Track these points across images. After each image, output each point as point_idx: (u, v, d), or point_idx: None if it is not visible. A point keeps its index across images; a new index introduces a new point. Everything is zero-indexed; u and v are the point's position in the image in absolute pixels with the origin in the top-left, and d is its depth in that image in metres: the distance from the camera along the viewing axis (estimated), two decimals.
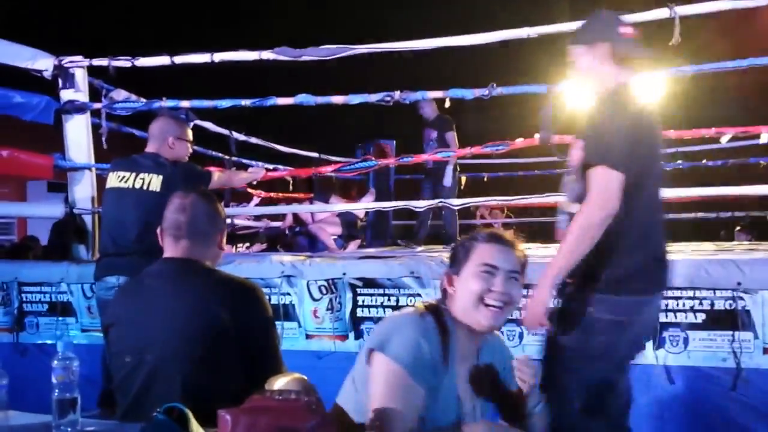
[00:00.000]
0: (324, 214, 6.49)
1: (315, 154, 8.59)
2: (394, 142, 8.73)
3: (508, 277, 1.79)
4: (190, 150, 3.83)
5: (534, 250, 6.86)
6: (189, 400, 1.79)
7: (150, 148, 3.69)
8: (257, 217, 7.28)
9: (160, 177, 3.53)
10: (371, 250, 6.00)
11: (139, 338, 2.04)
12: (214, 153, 6.49)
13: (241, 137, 6.67)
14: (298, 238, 6.65)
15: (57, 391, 1.73)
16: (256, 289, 2.11)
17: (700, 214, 7.94)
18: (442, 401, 1.75)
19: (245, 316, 2.00)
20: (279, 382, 1.78)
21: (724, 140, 4.18)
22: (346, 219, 6.76)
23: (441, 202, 4.00)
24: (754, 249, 5.10)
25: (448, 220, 6.68)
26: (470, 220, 9.05)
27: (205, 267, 2.15)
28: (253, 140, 6.97)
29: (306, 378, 1.87)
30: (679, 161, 7.88)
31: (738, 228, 8.30)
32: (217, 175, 3.88)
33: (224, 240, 2.27)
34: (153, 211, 3.45)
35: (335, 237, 6.55)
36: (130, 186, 3.53)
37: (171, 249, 2.19)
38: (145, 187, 3.52)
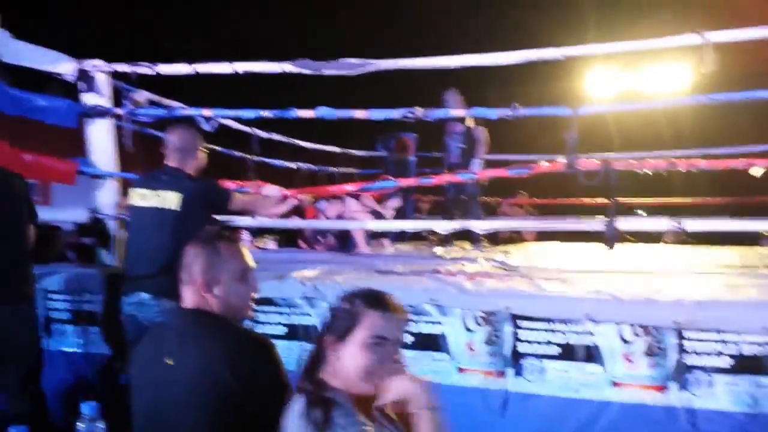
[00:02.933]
0: (358, 209, 6.35)
1: (337, 149, 8.52)
2: (415, 135, 8.65)
3: (395, 346, 1.76)
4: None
5: (554, 248, 6.85)
6: None
7: (171, 162, 3.65)
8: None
9: (180, 194, 3.50)
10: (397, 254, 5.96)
11: (151, 397, 2.03)
12: (236, 153, 6.45)
13: (264, 134, 6.62)
14: (328, 236, 6.55)
15: None
16: (268, 347, 2.06)
17: (727, 218, 7.77)
18: None
19: (253, 377, 1.95)
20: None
21: (756, 173, 4.07)
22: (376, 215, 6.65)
23: (463, 224, 3.92)
24: None
25: (474, 216, 6.59)
26: (491, 216, 8.98)
27: (216, 320, 2.11)
28: (276, 137, 6.91)
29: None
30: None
31: (765, 235, 8.13)
32: (240, 198, 3.79)
33: (236, 284, 2.17)
34: (172, 228, 3.47)
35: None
36: (150, 204, 3.52)
37: (183, 295, 2.19)
38: (164, 205, 3.50)
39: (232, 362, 1.96)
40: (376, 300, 1.80)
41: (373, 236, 6.43)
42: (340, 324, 1.79)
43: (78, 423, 1.82)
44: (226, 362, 1.96)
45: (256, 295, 2.25)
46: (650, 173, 7.95)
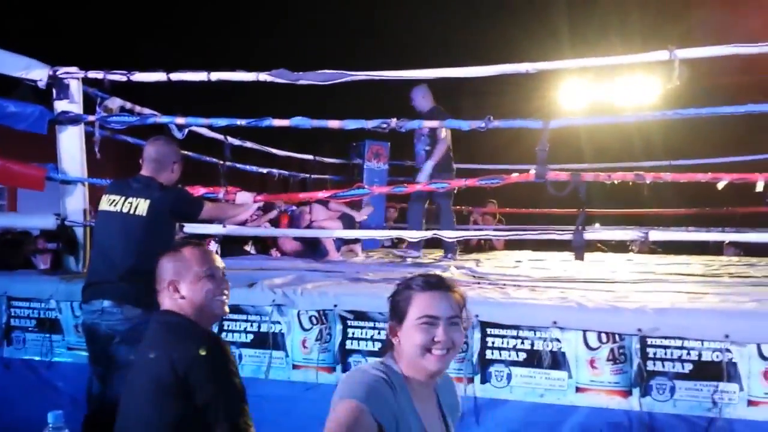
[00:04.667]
0: (325, 216, 6.33)
1: (310, 157, 8.54)
2: (389, 144, 8.71)
3: (449, 324, 1.83)
4: None
5: (524, 256, 6.93)
6: None
7: (145, 172, 3.66)
8: None
9: (148, 201, 3.51)
10: (368, 261, 5.99)
11: (125, 389, 2.24)
12: (207, 159, 6.43)
13: (236, 142, 6.61)
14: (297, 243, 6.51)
15: None
16: (217, 350, 2.15)
17: (691, 229, 7.95)
18: None
19: (194, 374, 2.05)
20: None
21: (720, 186, 4.19)
22: (347, 221, 6.62)
23: (435, 233, 3.97)
24: (744, 275, 5.12)
25: (445, 224, 6.20)
26: (464, 225, 9.07)
27: (179, 320, 2.25)
28: (248, 144, 6.91)
29: None
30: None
31: (727, 242, 8.31)
32: (210, 206, 3.86)
33: (199, 284, 2.28)
34: (138, 236, 3.47)
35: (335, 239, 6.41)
36: (119, 210, 3.53)
37: (160, 301, 2.35)
38: (132, 212, 3.51)
39: (176, 358, 2.09)
40: (426, 282, 1.90)
41: (344, 242, 6.42)
42: (397, 309, 1.90)
43: None
44: (169, 357, 2.10)
45: (225, 294, 2.36)
46: (617, 183, 8.16)
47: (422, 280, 1.91)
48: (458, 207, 8.71)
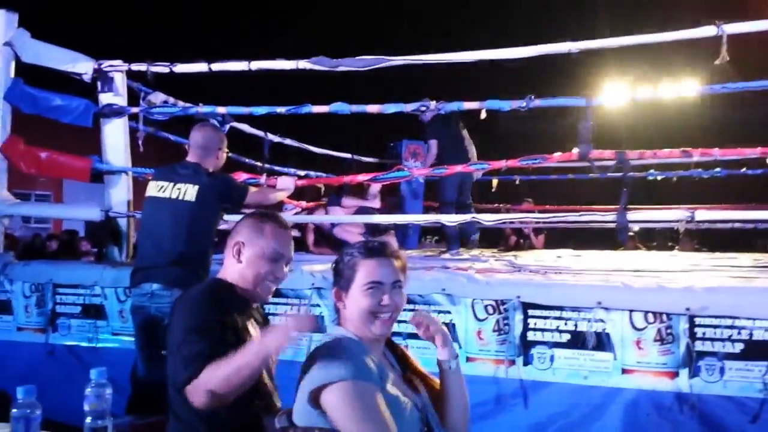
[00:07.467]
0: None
1: (347, 155, 8.56)
2: (425, 143, 8.66)
3: (393, 288, 1.90)
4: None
5: (564, 253, 6.81)
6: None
7: (192, 158, 3.69)
8: None
9: (196, 187, 3.54)
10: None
11: None
12: (247, 160, 6.47)
13: (276, 139, 6.66)
14: (322, 246, 6.41)
15: (90, 418, 1.74)
16: (189, 300, 2.16)
17: (737, 225, 7.73)
18: (392, 408, 1.79)
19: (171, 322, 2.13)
20: None
21: None
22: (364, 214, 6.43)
23: (474, 217, 3.93)
24: None
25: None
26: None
27: (216, 284, 2.26)
28: (287, 141, 6.96)
29: None
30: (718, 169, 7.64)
31: None
32: (254, 191, 3.89)
33: (260, 261, 2.22)
34: (187, 221, 3.52)
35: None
36: (167, 196, 3.56)
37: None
38: (180, 197, 3.54)
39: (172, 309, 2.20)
40: (369, 249, 1.96)
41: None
42: (342, 275, 1.95)
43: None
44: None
45: (276, 283, 2.26)
46: (659, 179, 7.99)
47: (365, 247, 1.97)
48: (495, 204, 8.63)
